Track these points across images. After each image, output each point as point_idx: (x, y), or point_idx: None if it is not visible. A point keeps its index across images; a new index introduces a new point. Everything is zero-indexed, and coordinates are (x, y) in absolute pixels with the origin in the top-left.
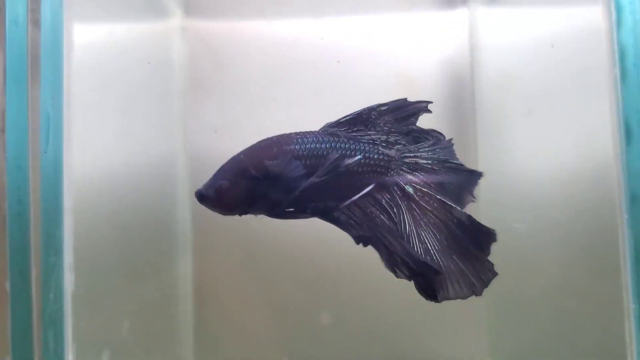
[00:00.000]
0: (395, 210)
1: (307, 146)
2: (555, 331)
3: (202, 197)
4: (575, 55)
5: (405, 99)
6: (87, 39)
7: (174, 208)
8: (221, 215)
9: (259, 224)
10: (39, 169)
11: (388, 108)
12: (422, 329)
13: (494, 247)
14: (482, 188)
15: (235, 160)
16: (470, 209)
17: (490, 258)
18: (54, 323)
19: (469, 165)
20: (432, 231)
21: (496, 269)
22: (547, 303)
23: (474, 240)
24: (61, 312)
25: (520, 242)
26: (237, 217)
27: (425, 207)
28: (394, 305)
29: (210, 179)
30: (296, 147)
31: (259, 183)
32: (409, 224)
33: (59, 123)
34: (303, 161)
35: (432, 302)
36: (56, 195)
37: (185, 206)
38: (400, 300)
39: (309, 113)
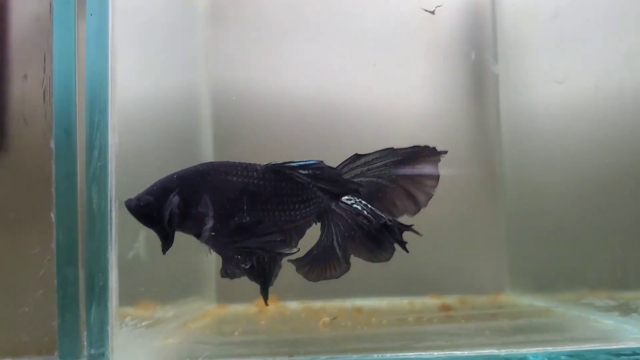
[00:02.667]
0: None
1: (244, 180)
2: (570, 262)
3: (128, 207)
4: None
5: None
6: None
7: (199, 131)
8: (244, 131)
9: None
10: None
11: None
12: (445, 262)
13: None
14: (504, 121)
15: (167, 179)
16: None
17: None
18: (98, 179)
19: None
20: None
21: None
22: (562, 235)
23: None
24: (105, 168)
25: (540, 176)
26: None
27: None
28: (418, 240)
29: (143, 191)
30: (233, 178)
31: (181, 206)
32: None
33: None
34: (237, 193)
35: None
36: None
37: (209, 133)
38: (424, 235)
39: (329, 47)
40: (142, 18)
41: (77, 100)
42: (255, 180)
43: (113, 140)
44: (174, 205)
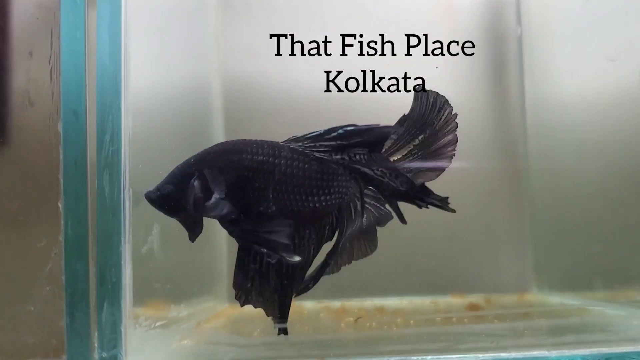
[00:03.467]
0: None
1: (259, 158)
2: (600, 259)
3: (149, 199)
4: None
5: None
6: None
7: (210, 121)
8: (253, 122)
9: None
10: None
11: (355, 130)
12: (467, 260)
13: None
14: (529, 114)
15: (184, 165)
16: None
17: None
18: (110, 165)
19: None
20: None
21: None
22: (591, 231)
23: None
24: (118, 154)
25: (563, 171)
26: None
27: None
28: (438, 236)
29: (162, 180)
30: (248, 156)
31: (203, 190)
32: None
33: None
34: (249, 173)
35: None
36: None
37: (220, 122)
38: (444, 231)
39: (345, 37)
40: (154, 2)
41: (87, 79)
42: (282, 160)
43: (127, 123)
44: (197, 190)
